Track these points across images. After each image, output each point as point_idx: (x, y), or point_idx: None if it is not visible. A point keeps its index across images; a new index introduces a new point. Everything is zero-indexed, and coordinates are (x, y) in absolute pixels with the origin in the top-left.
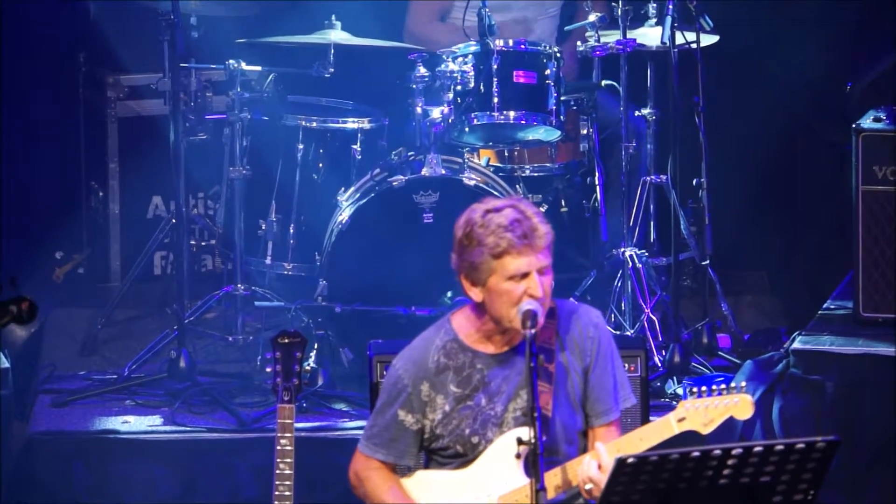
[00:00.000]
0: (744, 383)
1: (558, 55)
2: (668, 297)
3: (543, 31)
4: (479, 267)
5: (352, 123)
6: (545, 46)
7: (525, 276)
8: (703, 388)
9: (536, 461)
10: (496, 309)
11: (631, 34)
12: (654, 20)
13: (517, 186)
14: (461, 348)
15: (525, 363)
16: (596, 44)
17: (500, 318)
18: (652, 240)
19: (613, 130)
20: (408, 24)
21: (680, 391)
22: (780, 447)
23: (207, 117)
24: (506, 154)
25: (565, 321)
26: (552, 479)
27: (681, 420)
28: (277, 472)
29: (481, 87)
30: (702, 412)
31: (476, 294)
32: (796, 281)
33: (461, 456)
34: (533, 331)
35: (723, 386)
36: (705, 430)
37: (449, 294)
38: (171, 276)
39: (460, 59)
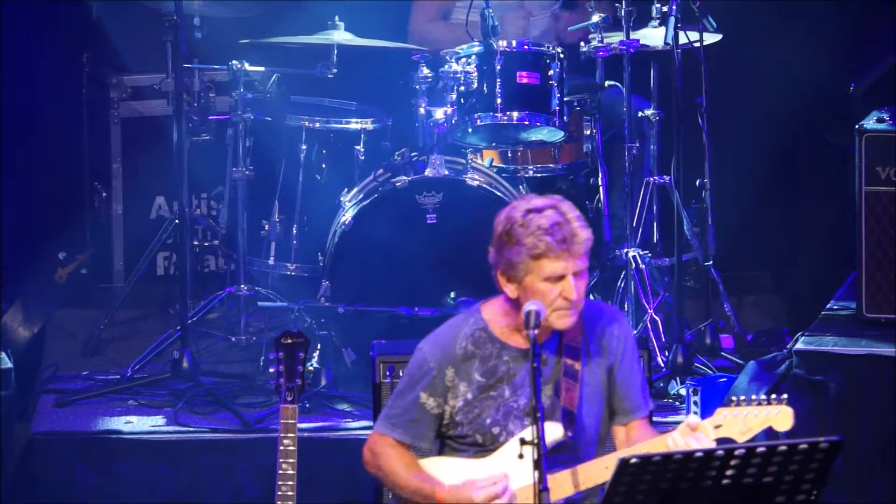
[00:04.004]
0: (785, 395)
1: (561, 56)
2: (672, 298)
3: (543, 28)
4: (517, 266)
5: (355, 124)
6: (548, 47)
7: (561, 278)
8: (743, 397)
9: (540, 460)
10: None
11: (634, 35)
12: (658, 21)
13: (520, 187)
14: (489, 338)
15: (529, 363)
16: (599, 44)
17: None
18: (655, 240)
19: (617, 131)
20: (411, 23)
21: (683, 392)
22: (783, 448)
23: (211, 118)
24: (509, 155)
25: (591, 320)
26: (570, 477)
27: (718, 427)
28: (280, 472)
29: (484, 88)
30: (740, 420)
31: (511, 290)
32: (799, 281)
33: (479, 446)
34: (535, 331)
35: (763, 396)
36: (742, 439)
37: (452, 294)
38: (175, 276)
39: (463, 59)
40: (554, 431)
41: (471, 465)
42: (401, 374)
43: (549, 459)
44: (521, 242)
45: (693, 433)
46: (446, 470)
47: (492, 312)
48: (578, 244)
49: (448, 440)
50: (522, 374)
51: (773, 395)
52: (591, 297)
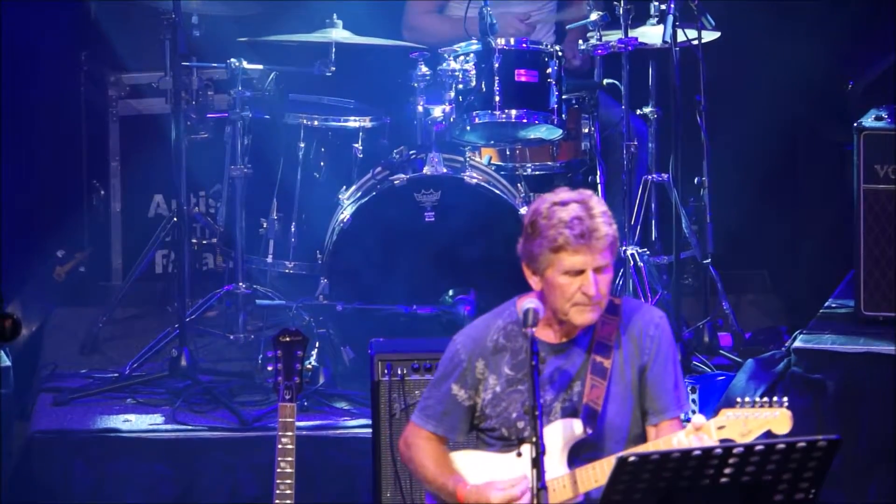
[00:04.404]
0: (786, 399)
1: (560, 54)
2: (670, 296)
3: (542, 29)
4: (538, 258)
5: (353, 122)
6: (547, 45)
7: (581, 272)
8: (747, 398)
9: (538, 459)
10: (552, 300)
11: (632, 33)
12: (656, 19)
13: (519, 185)
14: (521, 332)
15: (527, 361)
16: (597, 43)
17: (556, 310)
18: (653, 238)
19: (615, 129)
20: (405, 17)
21: None
22: (781, 446)
23: (209, 116)
24: (507, 153)
25: (628, 319)
26: (589, 472)
27: (721, 427)
28: (278, 470)
29: (483, 86)
30: (742, 422)
31: (535, 283)
32: (797, 279)
33: (506, 439)
34: (533, 329)
35: (765, 399)
36: (742, 440)
37: (451, 292)
38: (173, 274)
39: (462, 57)
40: (574, 428)
41: (493, 459)
42: (398, 371)
43: (571, 457)
44: (543, 235)
45: (696, 433)
46: (470, 463)
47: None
48: (598, 239)
49: (479, 433)
50: (551, 370)
51: (775, 398)
52: None
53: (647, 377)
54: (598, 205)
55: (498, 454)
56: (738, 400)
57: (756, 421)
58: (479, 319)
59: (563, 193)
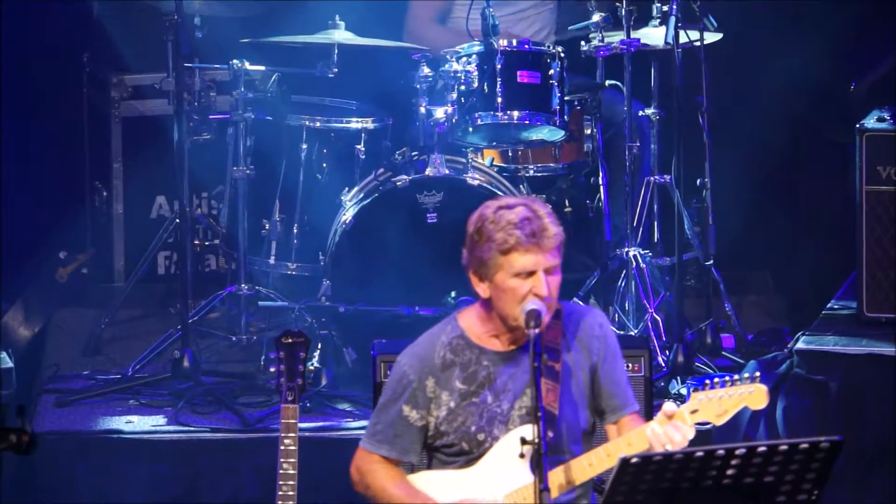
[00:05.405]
0: (758, 374)
1: (562, 55)
2: (672, 297)
3: (542, 26)
4: (487, 262)
5: (355, 123)
6: (549, 46)
7: (531, 274)
8: (717, 379)
9: (540, 460)
10: (501, 306)
11: (634, 34)
12: (658, 20)
13: (521, 186)
14: (467, 345)
15: (530, 363)
16: (600, 44)
17: (506, 316)
18: (656, 240)
19: (617, 130)
20: (407, 25)
21: (684, 391)
22: (783, 447)
23: (211, 117)
24: (510, 154)
25: (571, 322)
26: (556, 477)
27: (694, 412)
28: (281, 471)
29: (485, 87)
30: (715, 403)
31: (483, 290)
32: (800, 281)
33: (466, 454)
34: (536, 330)
35: (736, 377)
36: (719, 422)
37: (453, 294)
38: (175, 275)
39: (464, 58)
40: (535, 432)
41: (458, 476)
42: None
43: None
44: (492, 238)
45: (670, 421)
46: (433, 484)
47: (468, 320)
48: (548, 238)
49: (435, 452)
50: (503, 379)
51: (746, 375)
52: (591, 298)
53: (600, 376)
54: (543, 206)
55: (460, 470)
56: (707, 382)
57: (731, 400)
58: (421, 338)
59: (507, 199)
